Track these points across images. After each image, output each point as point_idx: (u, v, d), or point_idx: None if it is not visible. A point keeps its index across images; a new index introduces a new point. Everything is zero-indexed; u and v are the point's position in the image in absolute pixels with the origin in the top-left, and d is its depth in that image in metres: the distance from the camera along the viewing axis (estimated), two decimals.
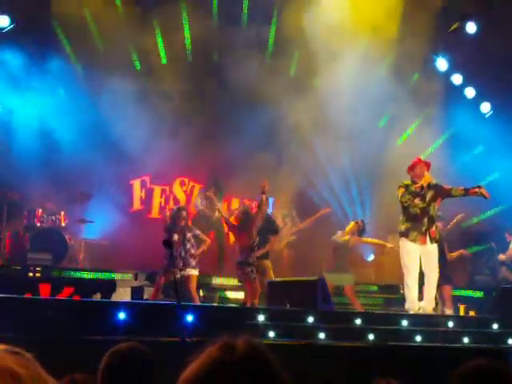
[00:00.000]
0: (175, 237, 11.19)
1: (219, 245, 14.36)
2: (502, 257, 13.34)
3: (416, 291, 10.37)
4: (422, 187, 10.34)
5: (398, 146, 15.81)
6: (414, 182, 10.48)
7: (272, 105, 14.82)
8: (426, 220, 10.35)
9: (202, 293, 12.77)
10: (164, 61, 15.47)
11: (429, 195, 10.38)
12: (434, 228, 10.43)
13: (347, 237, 12.38)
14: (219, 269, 13.94)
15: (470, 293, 14.08)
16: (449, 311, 12.11)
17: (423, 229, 10.32)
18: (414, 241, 10.32)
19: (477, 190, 10.23)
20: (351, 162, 15.85)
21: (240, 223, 11.08)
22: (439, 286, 12.11)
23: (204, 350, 1.69)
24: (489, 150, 16.01)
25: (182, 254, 11.03)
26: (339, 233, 12.61)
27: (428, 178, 10.42)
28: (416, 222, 10.35)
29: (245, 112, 14.96)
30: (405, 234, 10.39)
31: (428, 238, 10.33)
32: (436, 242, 10.45)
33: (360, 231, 12.55)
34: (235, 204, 15.80)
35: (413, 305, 10.34)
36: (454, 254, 13.00)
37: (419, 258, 10.36)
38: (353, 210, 16.14)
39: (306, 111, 14.63)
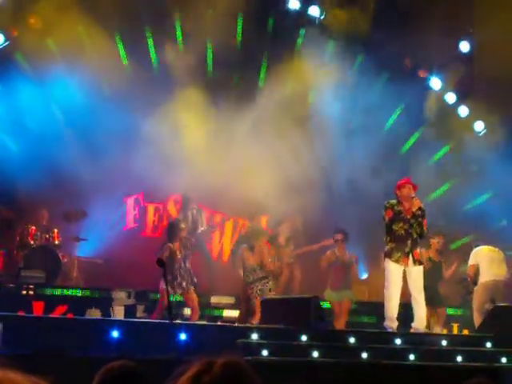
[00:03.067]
0: (177, 251, 11.29)
1: (208, 264, 14.27)
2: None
3: (395, 310, 10.33)
4: (412, 214, 10.36)
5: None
6: (399, 203, 10.48)
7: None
8: (409, 242, 10.39)
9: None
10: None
11: (415, 219, 10.42)
12: (417, 250, 10.50)
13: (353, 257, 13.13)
14: (211, 288, 13.83)
15: (463, 311, 14.07)
16: (438, 330, 12.16)
17: (406, 250, 10.37)
18: (397, 261, 10.35)
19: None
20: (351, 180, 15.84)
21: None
22: (434, 308, 12.16)
23: (185, 369, 1.71)
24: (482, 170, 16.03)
25: (187, 266, 11.33)
26: (335, 251, 12.78)
27: (417, 203, 10.43)
28: (400, 243, 10.39)
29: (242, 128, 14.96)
30: (388, 255, 10.45)
31: (411, 259, 10.37)
32: (420, 264, 10.52)
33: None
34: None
35: (390, 323, 10.35)
36: (451, 270, 13.22)
37: (402, 279, 10.40)
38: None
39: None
